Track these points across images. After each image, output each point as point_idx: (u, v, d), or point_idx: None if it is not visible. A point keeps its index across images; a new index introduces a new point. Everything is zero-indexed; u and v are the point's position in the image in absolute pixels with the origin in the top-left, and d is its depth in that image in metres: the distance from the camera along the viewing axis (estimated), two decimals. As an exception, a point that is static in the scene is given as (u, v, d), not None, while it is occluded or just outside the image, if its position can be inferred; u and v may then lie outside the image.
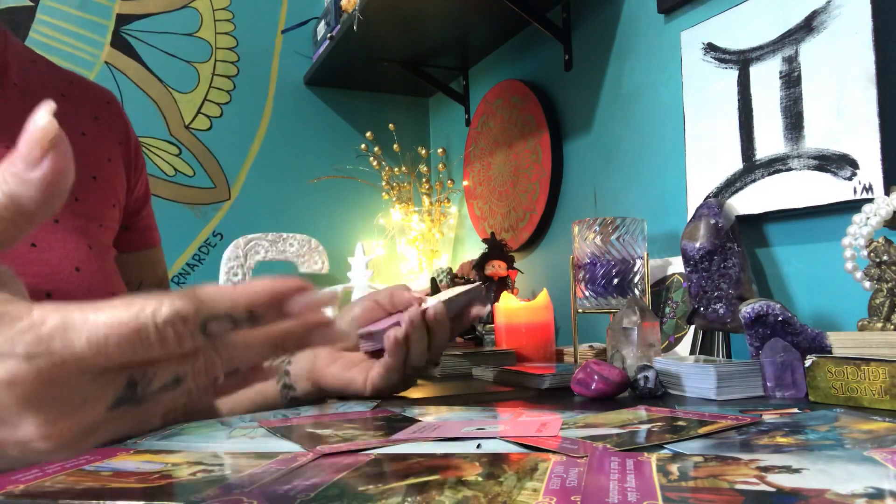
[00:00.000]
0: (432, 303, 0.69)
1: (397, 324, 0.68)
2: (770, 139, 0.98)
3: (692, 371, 0.71)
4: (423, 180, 2.01)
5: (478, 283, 0.74)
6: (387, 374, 0.69)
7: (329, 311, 0.98)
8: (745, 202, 1.01)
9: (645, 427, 0.50)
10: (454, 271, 1.64)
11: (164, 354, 0.26)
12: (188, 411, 0.30)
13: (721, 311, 0.92)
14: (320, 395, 0.73)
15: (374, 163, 1.97)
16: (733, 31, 1.04)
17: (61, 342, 0.25)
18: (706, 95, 1.09)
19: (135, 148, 0.77)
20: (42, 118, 0.26)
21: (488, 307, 0.73)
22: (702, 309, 0.94)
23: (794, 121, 0.95)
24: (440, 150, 2.03)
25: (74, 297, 0.58)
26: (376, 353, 0.71)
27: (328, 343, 0.30)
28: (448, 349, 0.97)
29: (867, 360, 0.61)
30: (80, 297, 0.59)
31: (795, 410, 0.57)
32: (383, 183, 1.99)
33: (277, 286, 0.27)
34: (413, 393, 0.80)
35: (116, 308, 0.25)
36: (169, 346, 0.25)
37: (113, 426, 0.27)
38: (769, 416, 0.54)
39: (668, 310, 1.09)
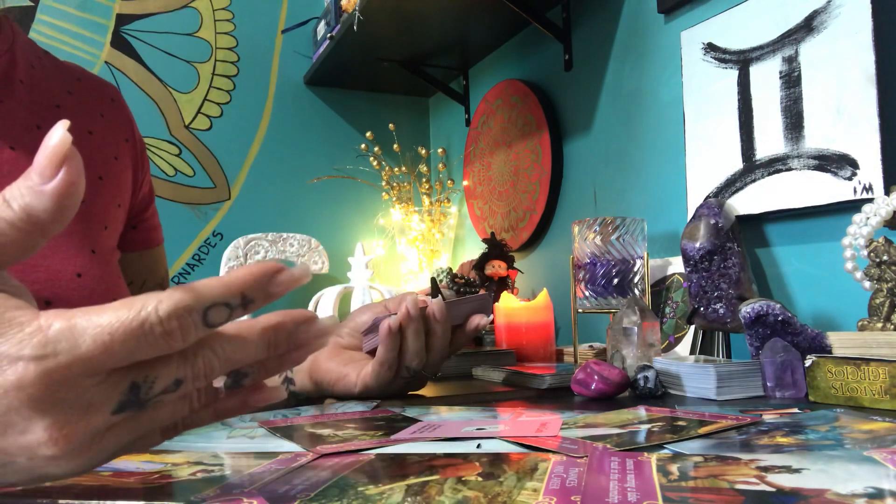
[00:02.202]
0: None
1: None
2: (770, 139, 0.98)
3: (692, 371, 0.71)
4: (423, 180, 2.01)
5: (484, 294, 0.71)
6: (379, 369, 0.66)
7: (329, 312, 0.97)
8: (745, 202, 1.01)
9: (645, 427, 0.50)
10: (454, 271, 1.64)
11: (168, 350, 0.26)
12: (187, 425, 0.31)
13: (721, 311, 0.92)
14: (319, 392, 0.72)
15: (374, 163, 1.97)
16: (733, 31, 1.04)
17: (67, 344, 0.25)
18: (706, 95, 1.09)
19: (140, 145, 0.77)
20: (57, 134, 0.27)
21: (490, 318, 0.71)
22: (702, 309, 0.94)
23: (794, 121, 0.95)
24: (440, 150, 2.03)
25: (75, 304, 0.58)
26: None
27: (317, 336, 0.30)
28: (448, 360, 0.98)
29: (867, 360, 0.61)
30: (81, 304, 0.58)
31: (795, 410, 0.57)
32: (383, 183, 1.99)
33: (262, 268, 0.28)
34: (413, 393, 0.80)
35: (119, 308, 0.26)
36: (174, 340, 0.26)
37: (116, 434, 0.28)
38: (769, 416, 0.54)
39: (668, 310, 1.09)
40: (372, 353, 0.70)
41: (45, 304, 0.58)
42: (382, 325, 0.65)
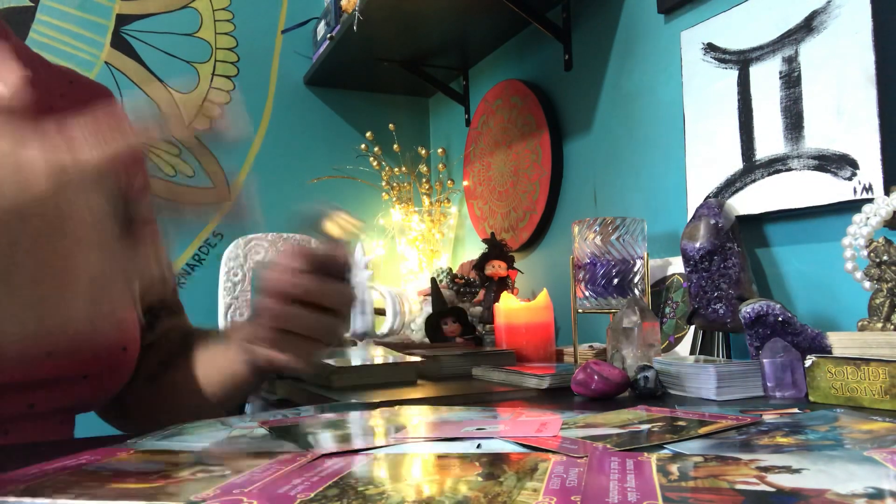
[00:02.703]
0: None
1: None
2: (770, 139, 0.98)
3: (692, 371, 0.71)
4: (423, 180, 2.01)
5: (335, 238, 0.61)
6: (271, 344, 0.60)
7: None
8: (745, 202, 1.01)
9: (645, 427, 0.51)
10: (454, 271, 1.64)
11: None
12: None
13: (721, 311, 0.92)
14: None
15: (374, 163, 1.97)
16: (733, 31, 1.04)
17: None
18: (706, 95, 1.09)
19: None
20: None
21: (357, 257, 0.67)
22: (702, 309, 0.94)
23: (794, 121, 0.95)
24: (440, 150, 2.03)
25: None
26: None
27: None
28: (448, 360, 0.97)
29: (867, 360, 0.61)
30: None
31: (795, 410, 0.57)
32: (383, 183, 1.99)
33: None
34: (413, 393, 0.80)
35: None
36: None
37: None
38: (769, 416, 0.54)
39: (668, 310, 1.09)
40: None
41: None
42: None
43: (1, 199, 0.36)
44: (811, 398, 0.65)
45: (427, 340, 1.26)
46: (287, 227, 1.96)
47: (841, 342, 0.68)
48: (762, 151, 1.00)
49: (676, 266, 1.10)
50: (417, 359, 0.94)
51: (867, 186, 0.85)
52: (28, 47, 0.71)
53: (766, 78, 0.99)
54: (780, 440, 0.45)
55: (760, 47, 1.00)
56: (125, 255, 0.45)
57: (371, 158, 1.97)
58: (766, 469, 0.36)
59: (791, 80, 0.96)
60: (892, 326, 0.67)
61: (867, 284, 0.71)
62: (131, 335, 0.65)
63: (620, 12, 1.34)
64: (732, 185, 1.04)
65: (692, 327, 1.02)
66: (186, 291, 1.90)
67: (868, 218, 0.72)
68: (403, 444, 0.46)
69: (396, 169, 2.01)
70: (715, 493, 0.32)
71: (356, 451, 0.44)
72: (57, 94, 0.69)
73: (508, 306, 1.10)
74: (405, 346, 1.11)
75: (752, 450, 0.42)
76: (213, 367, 0.70)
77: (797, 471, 0.35)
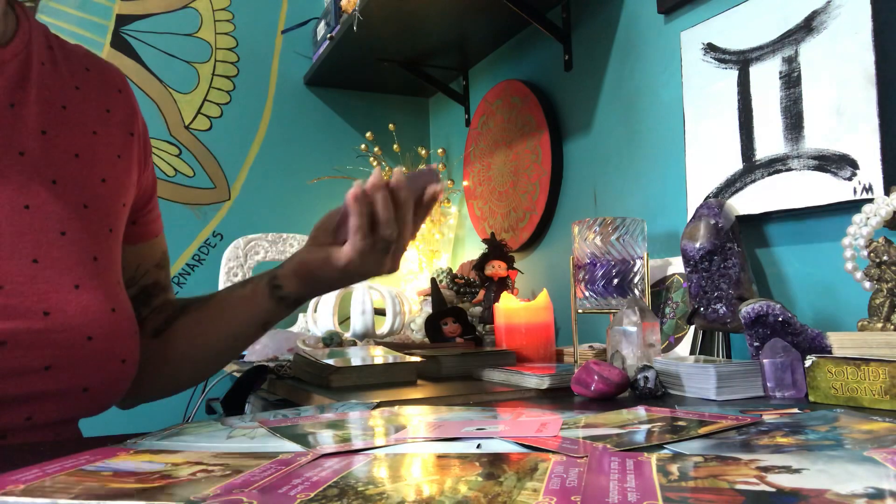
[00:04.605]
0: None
1: None
2: (770, 139, 0.98)
3: (692, 371, 0.71)
4: (423, 180, 2.00)
5: (433, 167, 0.77)
6: (354, 237, 0.69)
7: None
8: (745, 202, 1.01)
9: (645, 427, 0.50)
10: (454, 271, 1.64)
11: None
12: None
13: (721, 311, 0.92)
14: (306, 290, 0.76)
15: (374, 163, 1.97)
16: (733, 31, 1.04)
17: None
18: (706, 95, 1.09)
19: (143, 136, 0.76)
20: None
21: (442, 185, 0.76)
22: (702, 309, 0.94)
23: (794, 121, 0.95)
24: (440, 151, 2.03)
25: (71, 315, 0.58)
26: None
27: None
28: (448, 360, 0.97)
29: (867, 361, 0.61)
30: (78, 316, 0.59)
31: (795, 410, 0.57)
32: (383, 183, 1.99)
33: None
34: (413, 393, 0.80)
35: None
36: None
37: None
38: (769, 417, 0.54)
39: (668, 310, 1.09)
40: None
41: (44, 314, 0.58)
42: (348, 194, 0.68)
43: None
44: (811, 398, 0.65)
45: (427, 340, 1.26)
46: (287, 226, 1.97)
47: (841, 342, 0.68)
48: (762, 151, 1.00)
49: (676, 266, 1.10)
50: (417, 359, 0.94)
51: (867, 186, 0.85)
52: (48, 29, 0.71)
53: (766, 78, 0.99)
54: (780, 440, 0.45)
55: (760, 47, 1.00)
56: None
57: (371, 158, 1.97)
58: (766, 469, 0.36)
59: (791, 80, 0.96)
60: (892, 326, 0.67)
61: (867, 284, 0.71)
62: (131, 348, 0.65)
63: (620, 12, 1.34)
64: (732, 185, 1.04)
65: (692, 327, 1.02)
66: (186, 291, 1.90)
67: (868, 218, 0.72)
68: (403, 444, 0.46)
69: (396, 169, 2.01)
70: (715, 493, 0.32)
71: (356, 451, 0.44)
72: (72, 87, 0.69)
73: (508, 306, 1.10)
74: (405, 346, 1.11)
75: (752, 450, 0.42)
76: (233, 302, 0.76)
77: (797, 471, 0.35)
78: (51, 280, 0.59)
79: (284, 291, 0.75)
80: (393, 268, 0.75)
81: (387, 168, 1.97)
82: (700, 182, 1.10)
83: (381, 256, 0.72)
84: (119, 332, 0.63)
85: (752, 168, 1.01)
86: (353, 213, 0.69)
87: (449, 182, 1.97)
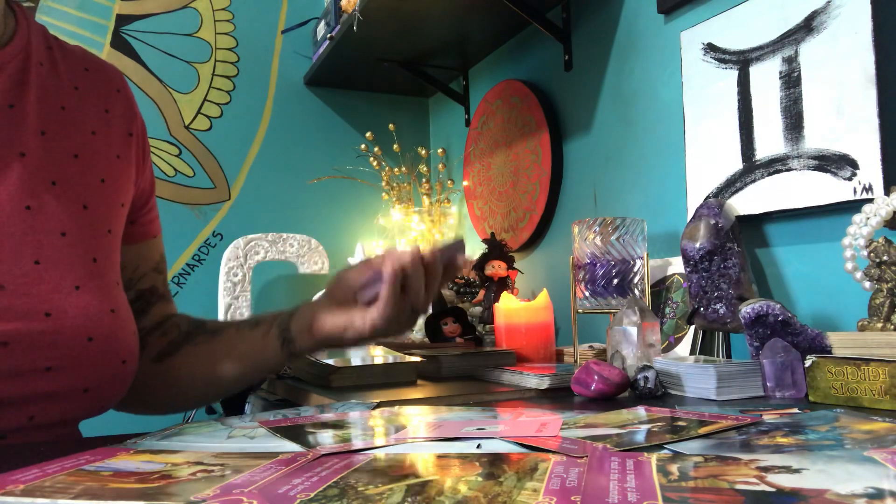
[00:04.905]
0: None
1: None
2: (770, 139, 0.98)
3: (692, 371, 0.71)
4: (423, 180, 2.01)
5: (460, 238, 0.78)
6: (385, 308, 0.68)
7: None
8: (745, 202, 1.01)
9: (645, 427, 0.50)
10: (454, 271, 1.64)
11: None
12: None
13: (721, 311, 0.92)
14: (319, 348, 0.75)
15: (374, 163, 1.97)
16: (733, 31, 1.04)
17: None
18: (706, 95, 1.09)
19: (142, 136, 0.76)
20: None
21: (467, 255, 0.78)
22: (702, 309, 0.94)
23: (794, 121, 0.95)
24: (440, 151, 2.03)
25: (72, 316, 0.58)
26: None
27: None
28: (448, 360, 0.97)
29: (867, 360, 0.61)
30: (79, 317, 0.59)
31: (795, 410, 0.57)
32: (383, 183, 1.99)
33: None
34: (413, 393, 0.80)
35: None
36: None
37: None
38: (769, 417, 0.54)
39: (668, 310, 1.09)
40: (370, 302, 0.72)
41: (45, 315, 0.58)
42: (385, 268, 0.69)
43: None
44: (811, 398, 0.65)
45: (427, 340, 1.26)
46: (287, 227, 1.97)
47: (841, 342, 0.68)
48: (762, 151, 1.00)
49: (676, 266, 1.10)
50: (417, 359, 0.94)
51: (867, 186, 0.85)
52: (46, 30, 0.70)
53: (766, 78, 0.99)
54: (780, 440, 0.45)
55: (760, 47, 1.00)
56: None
57: (371, 158, 1.97)
58: (766, 469, 0.36)
59: (791, 80, 0.96)
60: (892, 326, 0.67)
61: (867, 284, 0.71)
62: (131, 348, 0.65)
63: (620, 12, 1.33)
64: (732, 185, 1.04)
65: (692, 327, 1.02)
66: (186, 291, 1.90)
67: (868, 218, 0.72)
68: (403, 444, 0.46)
69: (396, 169, 2.01)
70: (715, 493, 0.32)
71: (356, 451, 0.44)
72: (71, 88, 0.69)
73: (508, 306, 1.10)
74: (405, 346, 1.11)
75: (752, 450, 0.42)
76: (242, 346, 0.75)
77: (797, 471, 0.35)
78: (52, 281, 0.59)
79: (296, 346, 0.73)
80: (410, 329, 0.76)
81: (386, 168, 1.97)
82: (700, 182, 1.10)
83: (405, 322, 0.72)
84: (119, 333, 0.63)
85: (752, 168, 1.01)
86: (387, 285, 0.68)
87: (449, 182, 1.97)
